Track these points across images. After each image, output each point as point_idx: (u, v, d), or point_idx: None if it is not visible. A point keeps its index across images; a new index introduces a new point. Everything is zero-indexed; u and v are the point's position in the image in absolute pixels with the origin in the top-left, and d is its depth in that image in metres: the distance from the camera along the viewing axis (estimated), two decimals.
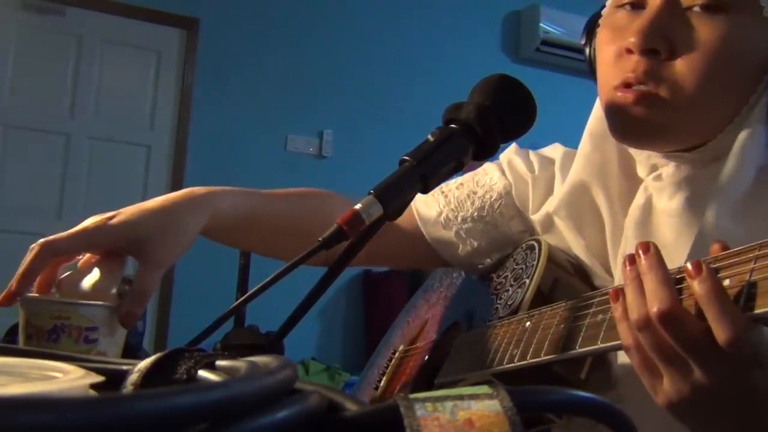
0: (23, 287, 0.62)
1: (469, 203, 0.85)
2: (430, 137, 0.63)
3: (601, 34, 0.68)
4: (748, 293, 0.43)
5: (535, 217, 0.79)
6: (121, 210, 0.67)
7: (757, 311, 0.42)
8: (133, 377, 0.33)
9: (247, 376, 0.30)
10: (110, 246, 0.66)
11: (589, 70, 0.73)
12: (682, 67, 0.60)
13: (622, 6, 0.65)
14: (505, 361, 0.63)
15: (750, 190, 0.61)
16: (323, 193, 0.90)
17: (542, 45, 4.52)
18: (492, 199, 0.84)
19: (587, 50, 0.73)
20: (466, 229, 0.84)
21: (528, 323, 0.64)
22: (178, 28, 3.78)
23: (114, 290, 0.62)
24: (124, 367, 0.36)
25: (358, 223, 0.56)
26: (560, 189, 0.76)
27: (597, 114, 0.73)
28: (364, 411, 0.29)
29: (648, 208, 0.67)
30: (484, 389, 0.28)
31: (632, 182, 0.70)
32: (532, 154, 0.85)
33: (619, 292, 0.50)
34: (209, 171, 3.73)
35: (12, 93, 3.52)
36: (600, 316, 0.54)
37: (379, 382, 0.91)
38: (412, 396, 0.28)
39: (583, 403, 0.31)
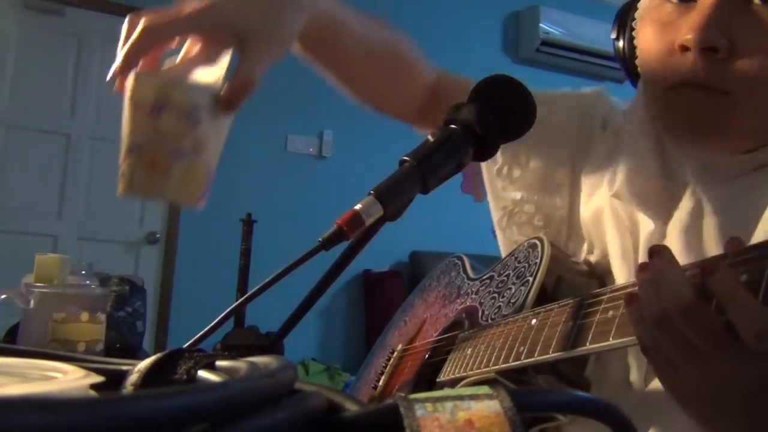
0: (126, 71, 0.57)
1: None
2: (429, 137, 0.63)
3: (646, 29, 0.63)
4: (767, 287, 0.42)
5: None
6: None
7: None
8: (133, 377, 0.33)
9: (247, 376, 0.30)
10: (215, 29, 0.60)
11: (623, 66, 0.70)
12: (747, 65, 0.55)
13: None
14: (512, 358, 0.62)
15: None
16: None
17: (542, 45, 4.53)
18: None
19: (620, 43, 0.70)
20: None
21: (534, 320, 0.62)
22: None
23: (221, 79, 0.58)
24: (124, 368, 0.36)
25: (358, 224, 0.56)
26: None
27: (637, 110, 0.70)
28: (364, 411, 0.29)
29: (697, 213, 0.62)
30: (484, 389, 0.28)
31: (676, 185, 0.66)
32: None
33: (633, 297, 0.49)
34: None
35: (12, 93, 3.52)
36: (611, 313, 0.53)
37: (378, 381, 0.91)
38: (412, 396, 0.28)
39: (583, 403, 0.31)
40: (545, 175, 0.82)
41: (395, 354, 0.94)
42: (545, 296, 0.68)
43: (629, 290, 0.50)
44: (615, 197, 0.69)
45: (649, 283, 0.47)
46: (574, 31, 4.53)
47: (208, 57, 0.61)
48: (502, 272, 0.80)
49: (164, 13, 0.58)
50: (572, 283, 0.71)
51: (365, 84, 0.85)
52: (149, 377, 0.33)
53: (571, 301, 0.60)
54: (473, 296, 0.84)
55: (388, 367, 0.92)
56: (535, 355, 0.59)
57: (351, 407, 0.30)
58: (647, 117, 0.68)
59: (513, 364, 0.62)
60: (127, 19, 0.59)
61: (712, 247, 0.60)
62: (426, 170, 0.61)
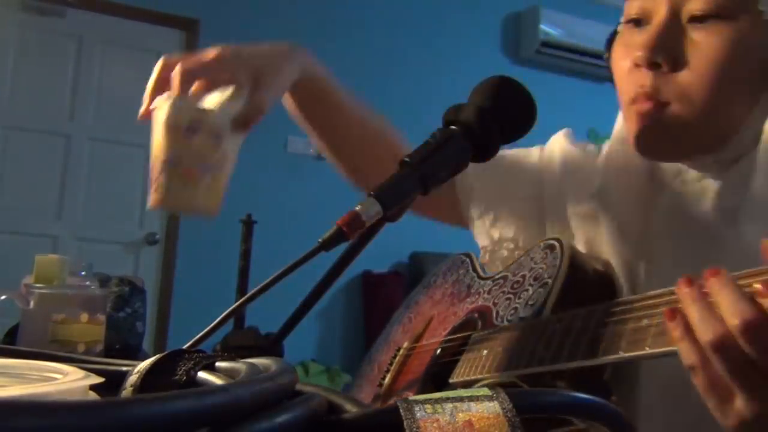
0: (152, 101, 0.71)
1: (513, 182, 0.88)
2: (430, 139, 0.63)
3: (616, 51, 0.70)
4: None
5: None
6: (232, 45, 0.76)
7: None
8: (133, 378, 0.33)
9: (248, 379, 0.30)
10: (234, 70, 0.73)
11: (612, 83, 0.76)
12: (687, 77, 0.62)
13: (630, 22, 0.68)
14: (535, 362, 0.61)
15: None
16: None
17: (542, 46, 4.52)
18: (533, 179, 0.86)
19: (609, 64, 0.76)
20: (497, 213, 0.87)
21: (558, 325, 0.62)
22: (178, 29, 3.78)
23: (238, 107, 0.71)
24: (124, 369, 0.36)
25: (358, 225, 0.56)
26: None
27: (621, 120, 0.74)
28: (364, 413, 0.29)
29: (676, 211, 0.67)
30: (484, 391, 0.28)
31: (657, 186, 0.71)
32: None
33: (677, 311, 0.48)
34: None
35: (12, 94, 3.53)
36: (645, 321, 0.53)
37: (383, 379, 0.90)
38: (412, 398, 0.28)
39: (581, 404, 0.31)
40: (519, 222, 0.87)
41: (401, 351, 0.93)
42: (564, 299, 0.68)
43: (672, 306, 0.49)
44: (599, 207, 0.74)
45: (702, 304, 0.46)
46: (574, 32, 4.53)
47: (228, 89, 0.74)
48: (516, 272, 0.78)
49: (195, 57, 0.72)
50: (590, 285, 0.71)
51: (346, 146, 0.96)
52: (149, 378, 0.33)
53: (600, 306, 0.59)
54: (485, 296, 0.83)
55: (394, 364, 0.91)
56: (562, 360, 0.58)
57: (351, 408, 0.30)
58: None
59: (537, 368, 0.61)
60: (162, 59, 0.73)
61: (698, 243, 0.64)
62: (426, 171, 0.61)
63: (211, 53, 0.72)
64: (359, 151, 0.95)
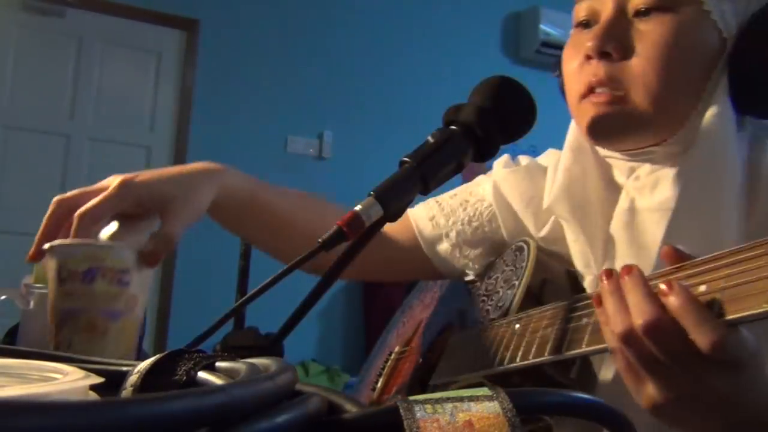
0: (46, 242, 0.65)
1: (461, 210, 0.88)
2: (430, 138, 0.63)
3: (565, 54, 0.74)
4: (721, 300, 0.45)
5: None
6: (138, 172, 0.72)
7: (728, 317, 0.44)
8: (133, 378, 0.33)
9: (248, 379, 0.30)
10: (138, 201, 0.70)
11: (562, 94, 0.78)
12: (637, 65, 0.65)
13: (579, 26, 0.72)
14: (496, 363, 0.64)
15: (739, 181, 0.64)
16: (321, 198, 0.95)
17: (542, 46, 4.52)
18: (483, 207, 0.87)
19: (560, 81, 0.78)
20: (456, 231, 0.87)
21: (517, 326, 0.65)
22: (179, 29, 3.78)
23: (143, 242, 0.65)
24: (124, 368, 0.36)
25: (359, 225, 0.56)
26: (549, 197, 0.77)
27: (573, 128, 0.76)
28: (364, 413, 0.29)
29: (632, 210, 0.68)
30: (484, 391, 0.28)
31: (613, 190, 0.72)
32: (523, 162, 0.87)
33: (601, 299, 0.52)
34: None
35: (12, 94, 3.53)
36: (584, 320, 0.56)
37: (376, 383, 0.91)
38: (412, 398, 0.28)
39: (582, 404, 0.31)
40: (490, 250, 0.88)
41: (393, 355, 0.94)
42: (531, 299, 0.69)
43: (596, 291, 0.53)
44: (555, 214, 0.75)
45: (616, 298, 0.50)
46: None
47: (132, 223, 0.69)
48: (491, 275, 0.80)
49: (90, 194, 0.67)
50: (557, 286, 0.72)
51: (271, 249, 0.92)
52: (149, 378, 0.33)
53: (550, 306, 0.62)
54: (465, 299, 0.84)
55: (386, 368, 0.92)
56: (517, 360, 0.61)
57: (351, 408, 0.30)
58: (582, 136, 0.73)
59: (498, 369, 0.64)
60: (55, 200, 0.68)
61: (653, 240, 0.65)
62: (426, 171, 0.61)
63: (113, 186, 0.69)
64: (292, 249, 0.83)
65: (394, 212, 0.60)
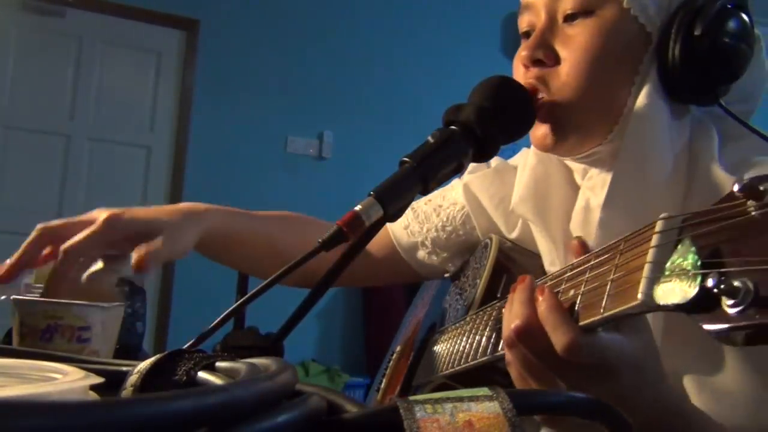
0: (19, 272, 0.67)
1: (434, 216, 0.91)
2: (430, 138, 0.63)
3: (513, 64, 0.75)
4: (577, 305, 0.47)
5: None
6: (125, 209, 0.74)
7: (581, 322, 0.46)
8: (133, 378, 0.33)
9: (248, 379, 0.30)
10: (124, 237, 0.71)
11: None
12: (565, 68, 0.68)
13: (522, 36, 0.74)
14: (454, 364, 0.66)
15: (668, 176, 0.65)
16: (303, 218, 0.99)
17: None
18: (455, 210, 0.90)
19: None
20: (431, 238, 0.90)
21: (467, 327, 0.67)
22: (178, 29, 3.78)
23: (113, 287, 0.66)
24: (124, 369, 0.37)
25: (358, 225, 0.56)
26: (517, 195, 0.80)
27: None
28: (364, 413, 0.29)
29: (587, 208, 0.70)
30: (484, 391, 0.28)
31: (573, 189, 0.74)
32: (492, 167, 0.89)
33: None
34: (209, 173, 3.73)
35: (12, 94, 3.53)
36: (500, 325, 0.57)
37: (380, 383, 0.92)
38: (412, 398, 0.28)
39: (581, 404, 0.31)
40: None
41: (394, 356, 0.94)
42: (492, 297, 0.71)
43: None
44: (520, 215, 0.77)
45: (509, 305, 0.52)
46: None
47: (107, 263, 0.69)
48: (465, 273, 0.81)
49: (75, 226, 0.69)
50: (514, 280, 0.73)
51: (255, 273, 0.97)
52: (149, 378, 0.33)
53: (488, 308, 0.63)
54: (447, 297, 0.86)
55: (388, 369, 0.93)
56: (479, 356, 0.62)
57: (351, 409, 0.30)
58: None
59: (448, 372, 0.66)
60: (38, 229, 0.70)
61: (609, 237, 0.65)
62: (426, 171, 0.61)
63: (99, 222, 0.70)
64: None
65: (394, 212, 0.60)
